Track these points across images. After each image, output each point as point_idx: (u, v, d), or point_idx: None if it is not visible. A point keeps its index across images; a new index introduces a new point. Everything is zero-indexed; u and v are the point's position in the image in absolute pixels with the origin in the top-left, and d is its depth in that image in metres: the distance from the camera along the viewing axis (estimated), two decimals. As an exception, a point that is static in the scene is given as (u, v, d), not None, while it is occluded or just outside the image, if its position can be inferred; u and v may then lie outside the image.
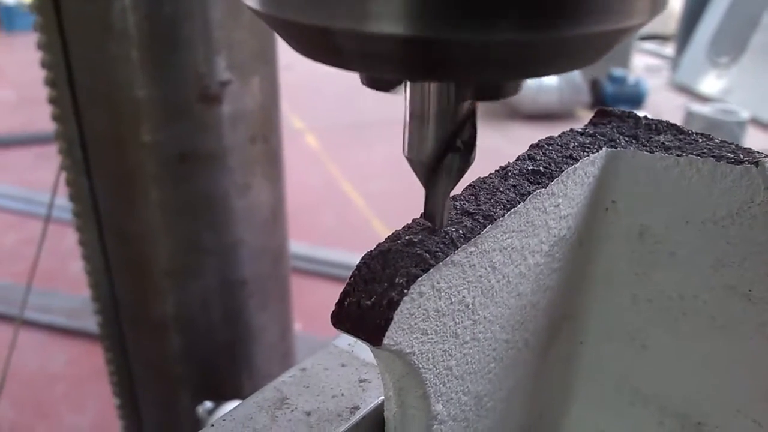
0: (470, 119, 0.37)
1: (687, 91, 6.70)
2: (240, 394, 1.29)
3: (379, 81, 0.35)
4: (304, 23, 0.29)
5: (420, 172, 0.38)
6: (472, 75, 0.30)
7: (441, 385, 0.43)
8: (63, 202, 1.60)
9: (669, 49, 7.70)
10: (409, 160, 0.38)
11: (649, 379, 0.59)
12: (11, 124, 5.32)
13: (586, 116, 6.10)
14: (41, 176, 4.29)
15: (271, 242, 1.28)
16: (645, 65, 7.41)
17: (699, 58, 6.78)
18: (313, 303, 2.96)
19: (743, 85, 6.28)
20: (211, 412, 1.16)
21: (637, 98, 6.09)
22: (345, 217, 4.12)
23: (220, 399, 1.18)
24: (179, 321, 1.24)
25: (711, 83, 6.60)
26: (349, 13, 0.27)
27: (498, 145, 5.05)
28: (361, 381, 0.49)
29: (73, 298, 3.09)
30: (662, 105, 6.20)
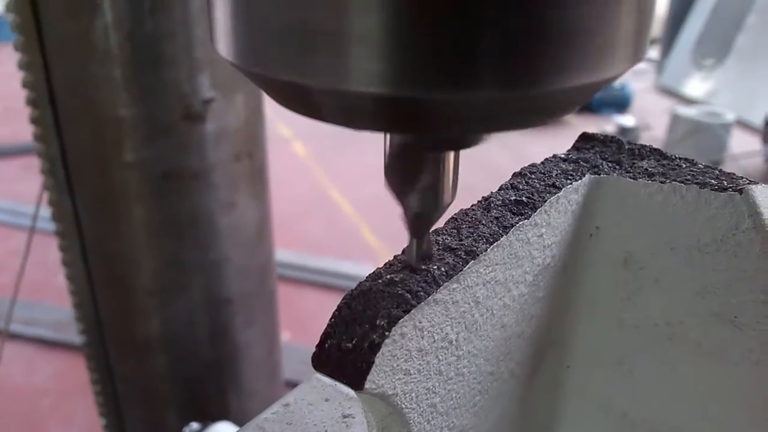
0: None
1: (672, 93, 6.74)
2: (227, 412, 1.28)
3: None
4: (281, 80, 0.28)
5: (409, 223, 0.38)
6: (451, 129, 0.30)
7: (425, 423, 0.42)
8: (49, 213, 1.59)
9: (654, 52, 7.74)
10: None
11: (637, 404, 0.58)
12: (-4, 135, 5.28)
13: (572, 121, 6.10)
14: (27, 187, 4.25)
15: (256, 259, 1.27)
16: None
17: (684, 60, 6.82)
18: (302, 312, 2.95)
19: (728, 87, 6.32)
20: (197, 432, 1.15)
21: (622, 102, 6.12)
22: (334, 225, 4.11)
23: (206, 418, 1.17)
24: (164, 340, 1.22)
25: (696, 86, 6.64)
26: (326, 72, 0.27)
27: (485, 149, 5.05)
28: (344, 416, 0.49)
29: (60, 310, 3.07)
30: (648, 108, 6.23)
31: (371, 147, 5.05)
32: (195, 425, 1.11)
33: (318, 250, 3.72)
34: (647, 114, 5.87)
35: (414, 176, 0.36)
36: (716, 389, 0.53)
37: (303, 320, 2.86)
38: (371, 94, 0.27)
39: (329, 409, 0.49)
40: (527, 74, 0.26)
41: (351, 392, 0.52)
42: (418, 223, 0.39)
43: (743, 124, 5.63)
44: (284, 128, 5.49)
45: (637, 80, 6.87)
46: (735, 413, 0.53)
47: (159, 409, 1.29)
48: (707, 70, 6.62)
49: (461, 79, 0.26)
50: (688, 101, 6.27)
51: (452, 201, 0.38)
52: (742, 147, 4.96)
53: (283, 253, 3.20)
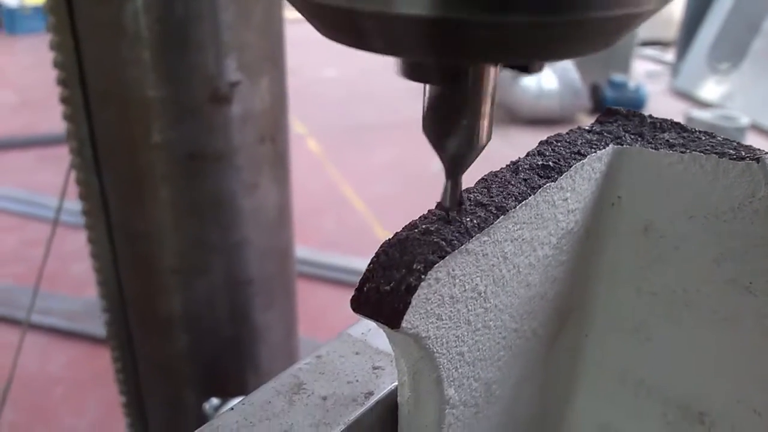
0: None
1: (687, 96, 6.72)
2: (245, 391, 1.30)
3: (416, 72, 0.36)
4: (330, 5, 0.30)
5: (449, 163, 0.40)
6: (493, 56, 0.32)
7: (453, 370, 0.45)
8: (66, 204, 1.61)
9: (669, 55, 7.72)
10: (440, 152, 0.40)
11: (653, 371, 0.60)
12: (12, 127, 5.32)
13: (586, 122, 6.13)
14: (42, 179, 4.29)
15: (277, 242, 1.29)
16: (645, 71, 7.43)
17: (699, 63, 6.80)
18: (314, 307, 2.96)
19: (743, 91, 6.30)
20: (217, 408, 1.17)
21: (637, 104, 6.11)
22: (346, 221, 4.13)
23: (224, 396, 1.19)
24: (186, 319, 1.25)
25: (711, 89, 6.62)
26: None
27: (499, 149, 5.05)
28: (374, 368, 0.51)
29: (74, 300, 3.10)
30: (662, 111, 6.17)
31: (384, 144, 5.06)
32: (215, 400, 1.13)
33: (330, 246, 3.73)
34: (662, 117, 5.84)
35: (453, 118, 0.39)
36: (731, 355, 0.55)
37: (314, 315, 2.88)
38: (417, 16, 0.28)
39: (360, 361, 0.52)
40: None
41: (381, 346, 0.54)
42: (455, 164, 0.41)
43: (758, 128, 5.62)
44: (299, 125, 5.51)
45: (651, 83, 6.86)
46: (748, 378, 0.55)
47: (178, 387, 1.32)
48: (722, 73, 6.60)
49: (504, 1, 0.28)
50: (703, 104, 6.26)
51: (487, 143, 0.40)
52: (755, 151, 4.93)
53: (295, 248, 3.22)
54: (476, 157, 0.40)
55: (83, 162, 1.17)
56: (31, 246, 3.55)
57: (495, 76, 0.38)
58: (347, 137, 5.43)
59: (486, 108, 0.38)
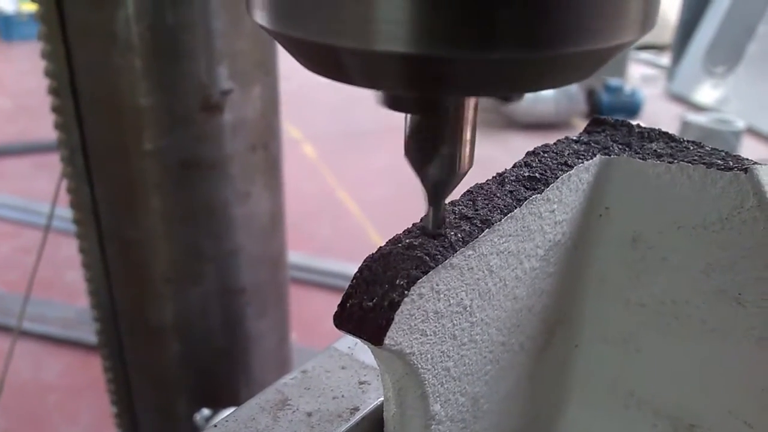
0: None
1: (683, 100, 6.73)
2: (237, 401, 1.29)
3: (399, 102, 0.36)
4: (310, 41, 0.30)
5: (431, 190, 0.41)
6: (470, 91, 0.32)
7: (439, 386, 0.44)
8: (60, 211, 1.61)
9: (665, 59, 7.73)
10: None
11: (643, 382, 0.60)
12: (8, 133, 5.31)
13: (582, 126, 6.14)
14: (37, 185, 4.28)
15: (269, 250, 1.29)
16: (641, 75, 7.44)
17: (695, 67, 6.81)
18: (309, 313, 2.95)
19: (739, 94, 6.30)
20: (208, 419, 1.17)
21: (633, 108, 6.12)
22: (341, 226, 4.12)
23: (217, 406, 1.19)
24: (178, 328, 1.24)
25: (707, 93, 6.62)
26: (353, 32, 0.29)
27: (494, 154, 5.06)
28: (360, 383, 0.51)
29: (68, 308, 3.09)
30: (658, 114, 6.22)
31: (380, 149, 5.06)
32: (206, 411, 1.12)
33: (325, 251, 3.73)
34: (657, 120, 5.86)
35: (433, 146, 0.39)
36: (721, 366, 0.55)
37: (309, 321, 2.87)
38: (394, 53, 0.29)
39: (346, 376, 0.51)
40: (545, 36, 0.28)
41: (367, 360, 0.53)
42: (437, 191, 0.41)
43: (753, 132, 5.63)
44: (294, 130, 5.51)
45: (647, 87, 6.87)
46: (739, 390, 0.55)
47: (170, 396, 1.31)
48: (718, 77, 6.61)
49: (481, 39, 0.28)
50: (699, 108, 6.26)
51: (468, 169, 0.40)
52: (752, 154, 4.90)
53: (290, 254, 3.21)
54: (458, 184, 0.41)
55: (74, 170, 1.17)
56: (26, 253, 3.53)
57: (475, 104, 0.38)
58: (343, 142, 5.43)
59: (467, 135, 0.39)
